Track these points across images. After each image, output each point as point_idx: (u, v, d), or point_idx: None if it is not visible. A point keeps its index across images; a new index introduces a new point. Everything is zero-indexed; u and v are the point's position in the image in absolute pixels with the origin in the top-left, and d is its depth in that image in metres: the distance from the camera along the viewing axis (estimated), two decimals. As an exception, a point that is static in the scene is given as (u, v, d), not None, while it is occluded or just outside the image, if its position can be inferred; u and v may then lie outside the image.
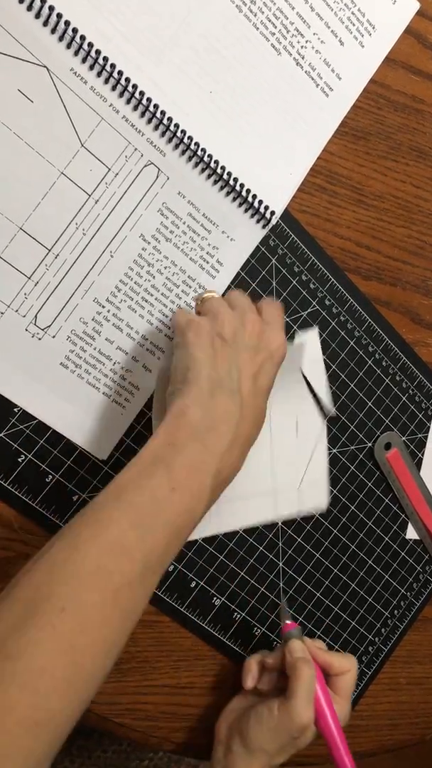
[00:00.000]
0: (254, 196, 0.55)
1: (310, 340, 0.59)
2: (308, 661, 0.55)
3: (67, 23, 0.47)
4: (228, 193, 0.55)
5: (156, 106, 0.50)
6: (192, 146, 0.52)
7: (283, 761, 0.55)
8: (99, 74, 0.49)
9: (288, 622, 0.58)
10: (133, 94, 0.50)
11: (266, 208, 0.56)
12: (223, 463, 0.45)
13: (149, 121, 0.51)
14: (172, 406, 0.46)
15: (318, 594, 0.65)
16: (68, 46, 0.48)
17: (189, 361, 0.47)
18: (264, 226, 0.57)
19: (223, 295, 0.56)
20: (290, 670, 0.54)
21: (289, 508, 0.61)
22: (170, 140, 0.52)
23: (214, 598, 0.61)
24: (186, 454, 0.43)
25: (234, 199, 0.55)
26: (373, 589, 0.68)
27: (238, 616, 0.62)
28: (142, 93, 0.50)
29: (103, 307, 0.53)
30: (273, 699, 0.55)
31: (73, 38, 0.47)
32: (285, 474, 0.61)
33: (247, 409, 0.47)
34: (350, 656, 0.59)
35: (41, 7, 0.46)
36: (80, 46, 0.48)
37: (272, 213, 0.56)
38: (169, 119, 0.51)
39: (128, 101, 0.50)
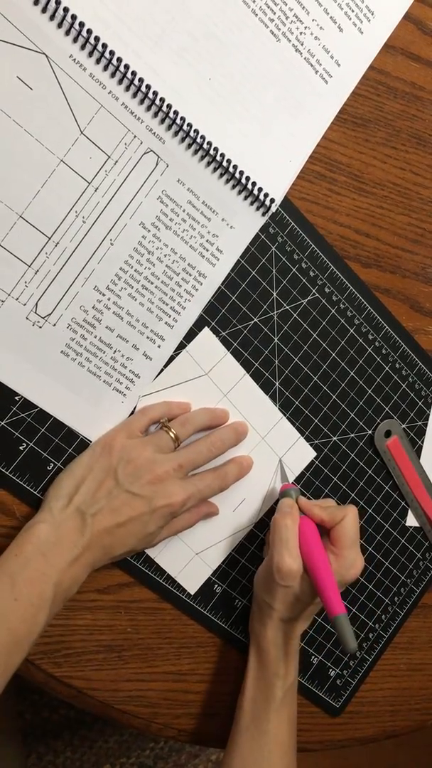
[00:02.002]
0: (254, 184, 0.55)
1: (207, 339, 0.58)
2: (286, 514, 0.56)
3: (65, 9, 0.47)
4: (227, 181, 0.54)
5: (155, 93, 0.50)
6: (191, 133, 0.52)
7: (292, 615, 0.57)
8: (98, 61, 0.49)
9: (284, 483, 0.60)
10: (132, 81, 0.49)
11: (266, 195, 0.56)
12: (63, 576, 0.49)
13: (148, 108, 0.51)
14: (30, 521, 0.51)
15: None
16: (67, 32, 0.47)
17: (76, 473, 0.52)
18: (264, 214, 0.57)
19: (225, 281, 0.56)
20: (271, 525, 0.57)
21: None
22: (169, 127, 0.52)
23: (216, 586, 0.61)
24: (29, 567, 0.48)
25: (233, 186, 0.55)
26: (373, 576, 0.68)
27: (240, 603, 0.62)
28: (141, 80, 0.50)
29: (104, 295, 0.53)
30: None
31: (72, 25, 0.47)
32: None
33: (93, 540, 0.51)
34: (346, 506, 0.58)
35: (40, -6, 0.46)
36: (79, 33, 0.47)
37: (272, 200, 0.56)
38: (168, 106, 0.51)
39: (127, 88, 0.50)
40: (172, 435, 0.54)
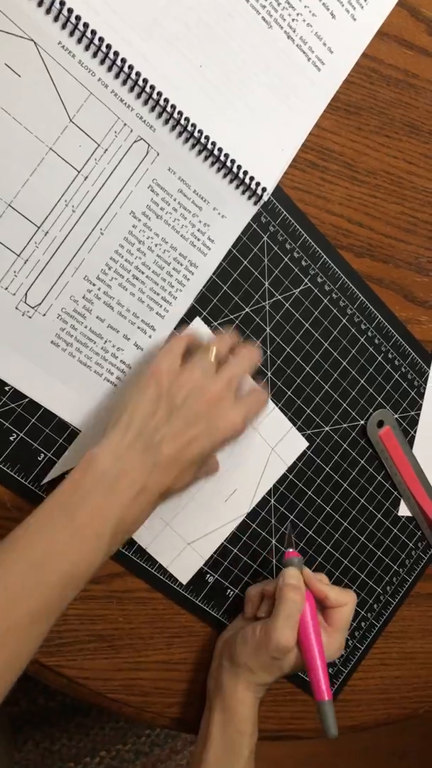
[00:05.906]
0: (245, 173, 0.55)
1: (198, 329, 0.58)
2: (296, 588, 0.56)
3: (53, -5, 0.46)
4: (219, 170, 0.54)
5: (145, 81, 0.50)
6: (182, 121, 0.52)
7: (269, 681, 0.56)
8: (87, 48, 0.48)
9: (290, 550, 0.59)
10: (122, 68, 0.49)
11: (257, 184, 0.55)
12: (125, 513, 0.47)
13: (138, 95, 0.50)
14: (87, 453, 0.48)
15: (311, 571, 0.65)
16: (56, 19, 0.47)
17: (128, 406, 0.50)
18: (255, 203, 0.56)
19: (217, 271, 0.56)
20: (277, 594, 0.56)
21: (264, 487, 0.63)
22: (160, 115, 0.51)
23: (208, 576, 0.61)
24: (90, 500, 0.46)
25: (225, 175, 0.54)
26: (365, 565, 0.68)
27: (232, 593, 0.62)
28: (131, 67, 0.49)
29: (94, 285, 0.52)
30: (261, 621, 0.57)
31: (60, 11, 0.46)
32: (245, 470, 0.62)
33: (160, 470, 0.49)
34: (349, 591, 0.59)
35: (27, -21, 0.45)
36: (68, 19, 0.47)
37: (264, 189, 0.56)
38: (159, 94, 0.51)
39: (117, 75, 0.49)
40: (213, 355, 0.53)
